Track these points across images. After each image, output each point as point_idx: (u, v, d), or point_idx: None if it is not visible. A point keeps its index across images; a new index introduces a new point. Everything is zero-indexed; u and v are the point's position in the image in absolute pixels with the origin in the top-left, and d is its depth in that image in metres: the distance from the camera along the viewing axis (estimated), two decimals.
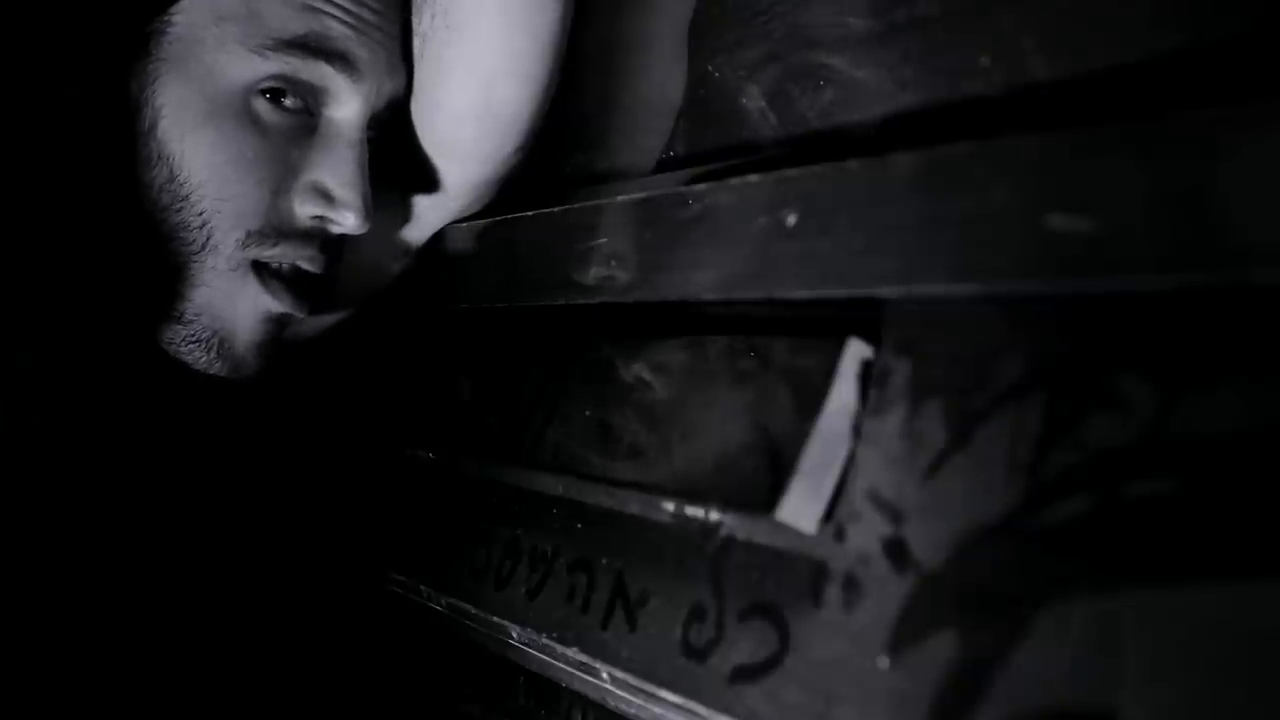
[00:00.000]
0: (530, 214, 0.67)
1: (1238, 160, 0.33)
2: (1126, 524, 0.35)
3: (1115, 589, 0.35)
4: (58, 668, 0.58)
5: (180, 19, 0.60)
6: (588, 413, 0.60)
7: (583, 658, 0.54)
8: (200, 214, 0.61)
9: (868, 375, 0.45)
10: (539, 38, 0.65)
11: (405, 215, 0.74)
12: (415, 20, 0.67)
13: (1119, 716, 0.34)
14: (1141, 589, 0.35)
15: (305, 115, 0.63)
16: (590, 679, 0.55)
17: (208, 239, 0.62)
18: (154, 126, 0.60)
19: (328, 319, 0.77)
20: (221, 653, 0.68)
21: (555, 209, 0.65)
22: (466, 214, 0.75)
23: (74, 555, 0.60)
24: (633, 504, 0.55)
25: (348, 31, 0.62)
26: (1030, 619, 0.37)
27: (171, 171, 0.60)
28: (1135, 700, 0.34)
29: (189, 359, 0.64)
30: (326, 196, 0.64)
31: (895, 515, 0.42)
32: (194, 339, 0.64)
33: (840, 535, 0.44)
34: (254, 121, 0.61)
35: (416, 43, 0.67)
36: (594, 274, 0.60)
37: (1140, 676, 0.34)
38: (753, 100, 0.60)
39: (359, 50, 0.63)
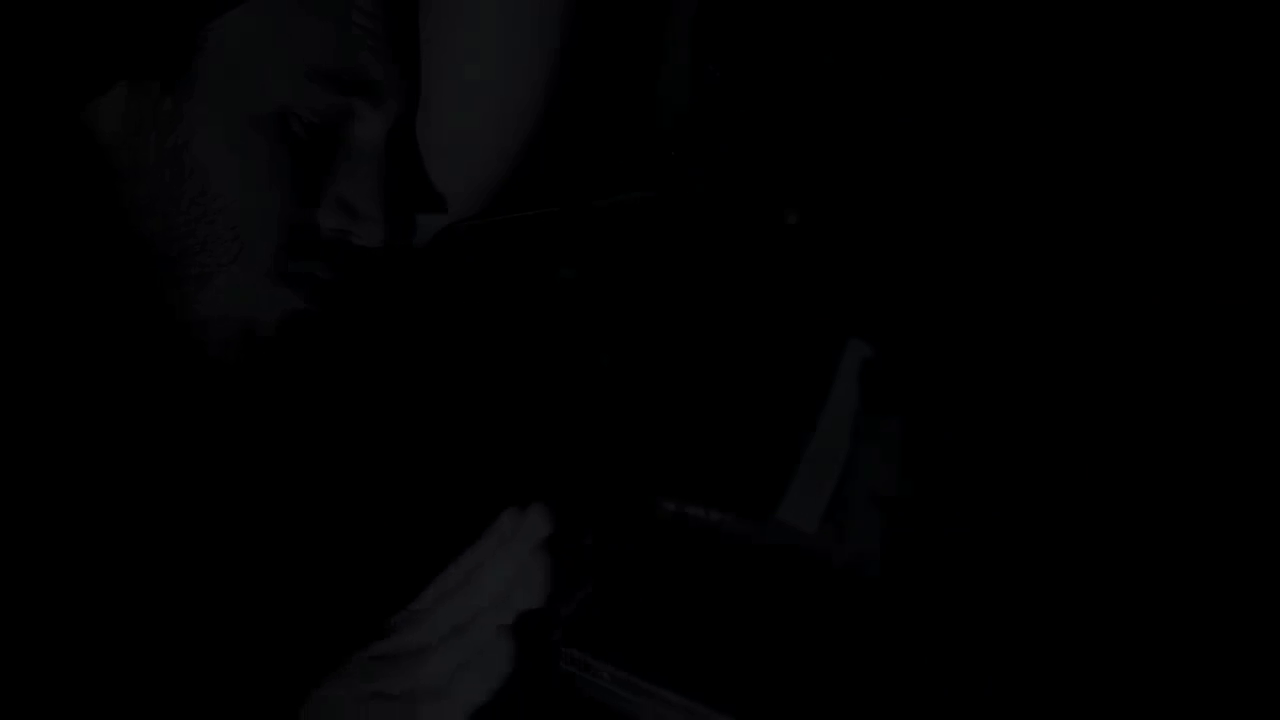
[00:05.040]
0: (530, 214, 0.67)
1: None
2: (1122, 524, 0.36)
3: (1111, 588, 0.35)
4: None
5: (214, 37, 0.60)
6: (587, 412, 0.60)
7: (584, 657, 0.54)
8: (232, 228, 0.62)
9: (868, 375, 0.45)
10: (543, 38, 0.65)
11: (406, 218, 0.74)
12: (419, 23, 0.67)
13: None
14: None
15: (328, 131, 0.64)
16: (591, 678, 0.55)
17: (239, 251, 0.62)
18: (187, 141, 0.61)
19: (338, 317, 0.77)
20: (219, 652, 0.68)
21: (554, 209, 0.65)
22: (468, 215, 0.75)
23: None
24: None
25: (377, 60, 0.62)
26: (1026, 618, 0.37)
27: (203, 186, 0.61)
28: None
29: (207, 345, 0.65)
30: (350, 211, 0.65)
31: (895, 515, 0.42)
32: (217, 336, 0.65)
33: (840, 534, 0.44)
34: (283, 139, 0.62)
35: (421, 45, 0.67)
36: (593, 274, 0.60)
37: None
38: (753, 101, 0.60)
39: (386, 75, 0.63)
